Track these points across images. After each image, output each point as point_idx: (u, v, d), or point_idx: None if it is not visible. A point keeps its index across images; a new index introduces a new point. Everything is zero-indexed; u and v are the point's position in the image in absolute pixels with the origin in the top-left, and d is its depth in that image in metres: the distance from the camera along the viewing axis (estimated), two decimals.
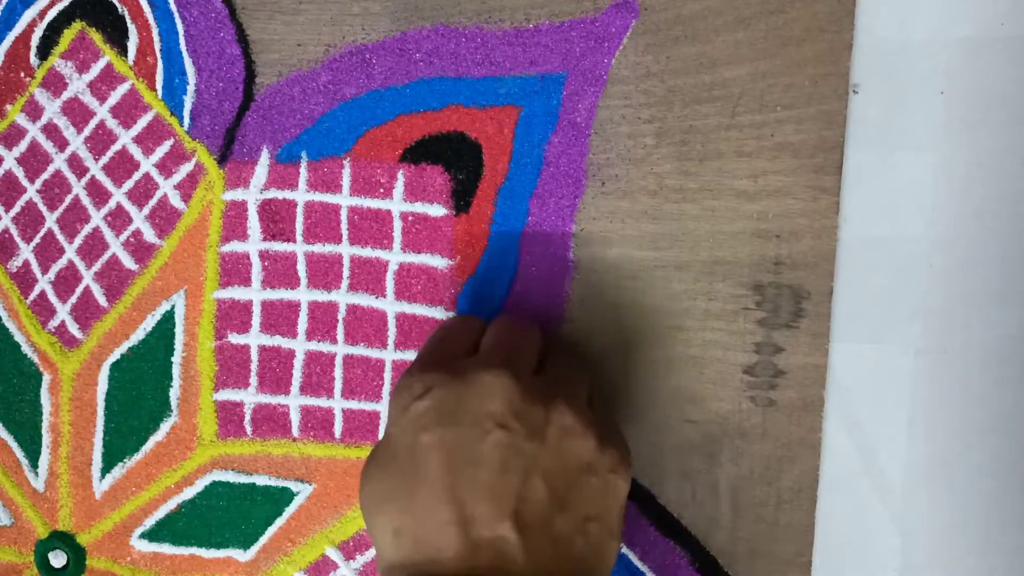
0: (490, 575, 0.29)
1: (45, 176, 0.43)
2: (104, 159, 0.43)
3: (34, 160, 0.43)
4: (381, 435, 0.41)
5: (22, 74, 0.43)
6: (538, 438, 0.31)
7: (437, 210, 0.40)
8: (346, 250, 0.41)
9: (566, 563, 0.30)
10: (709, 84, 0.38)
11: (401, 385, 0.33)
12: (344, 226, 0.41)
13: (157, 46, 0.42)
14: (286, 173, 0.41)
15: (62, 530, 0.44)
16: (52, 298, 0.44)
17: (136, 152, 0.43)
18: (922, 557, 0.38)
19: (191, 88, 0.42)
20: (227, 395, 0.42)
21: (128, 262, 0.43)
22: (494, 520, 0.29)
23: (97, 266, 0.43)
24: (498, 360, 0.32)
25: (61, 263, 0.43)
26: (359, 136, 0.41)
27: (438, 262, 0.40)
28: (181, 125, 0.42)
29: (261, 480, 0.42)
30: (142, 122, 0.42)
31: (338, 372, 0.42)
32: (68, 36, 0.43)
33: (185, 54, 0.42)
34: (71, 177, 0.43)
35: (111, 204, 0.43)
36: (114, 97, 0.43)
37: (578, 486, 0.31)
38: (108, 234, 0.43)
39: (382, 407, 0.41)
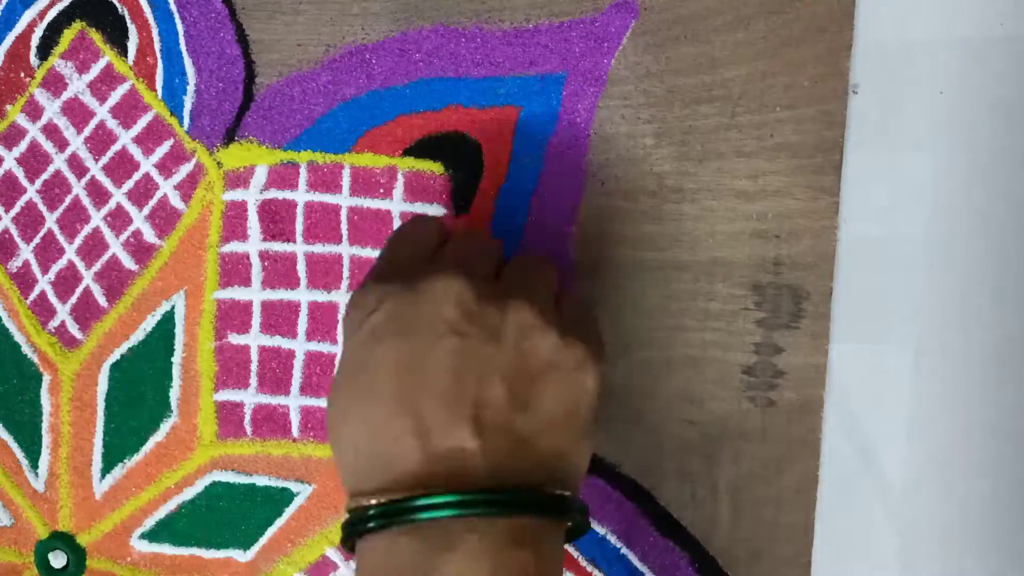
0: (451, 484, 0.28)
1: (45, 176, 0.43)
2: (104, 159, 0.43)
3: (34, 160, 0.43)
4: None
5: (22, 74, 0.43)
6: (494, 339, 0.29)
7: (437, 210, 0.40)
8: (346, 250, 0.41)
9: (530, 465, 0.29)
10: (709, 84, 0.38)
11: (354, 300, 0.32)
12: (344, 226, 0.41)
13: (157, 46, 0.42)
14: (286, 173, 0.41)
15: (62, 530, 0.44)
16: (52, 298, 0.44)
17: (136, 152, 0.43)
18: (922, 557, 0.38)
19: (191, 88, 0.42)
20: (227, 395, 0.42)
21: (128, 262, 0.43)
22: (451, 427, 0.28)
23: (97, 266, 0.43)
24: (452, 265, 0.31)
25: (61, 263, 0.43)
26: (359, 136, 0.41)
27: None
28: (181, 125, 0.42)
29: (261, 480, 0.42)
30: (142, 122, 0.42)
31: None
32: (68, 36, 0.43)
33: (185, 54, 0.42)
34: (71, 177, 0.43)
35: (111, 204, 0.43)
36: (114, 97, 0.43)
37: (541, 385, 0.30)
38: (108, 234, 0.43)
39: None
